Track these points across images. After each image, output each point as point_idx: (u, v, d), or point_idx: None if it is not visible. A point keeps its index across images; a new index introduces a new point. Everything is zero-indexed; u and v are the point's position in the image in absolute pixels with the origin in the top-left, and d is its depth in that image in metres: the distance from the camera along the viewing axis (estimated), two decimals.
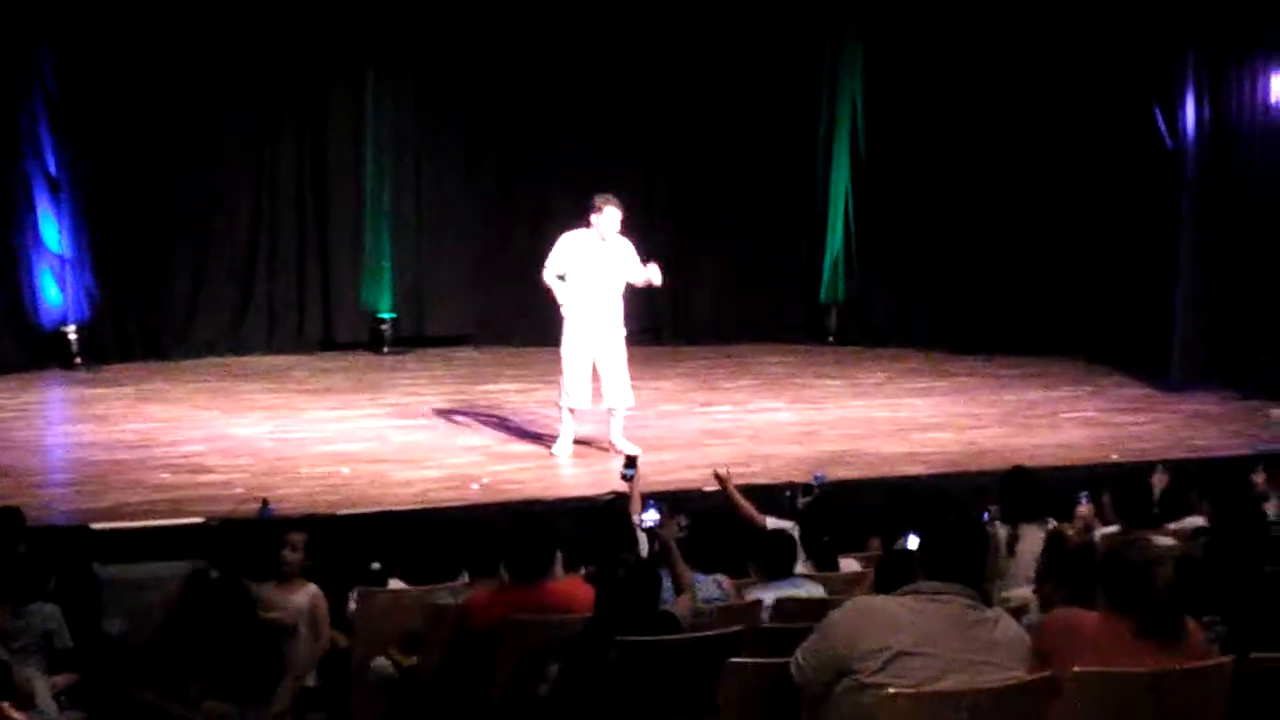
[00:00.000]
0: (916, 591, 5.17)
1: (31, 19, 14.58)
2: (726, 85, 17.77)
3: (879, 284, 18.33)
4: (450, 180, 16.95)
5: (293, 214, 16.64)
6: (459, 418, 13.47)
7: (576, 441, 12.27)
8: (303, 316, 16.78)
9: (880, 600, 5.27)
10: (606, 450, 12.18)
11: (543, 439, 12.77)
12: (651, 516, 7.23)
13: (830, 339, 18.46)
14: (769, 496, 10.94)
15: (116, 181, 15.46)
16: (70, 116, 15.00)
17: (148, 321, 16.02)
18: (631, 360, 15.49)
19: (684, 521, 8.54)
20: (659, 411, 14.15)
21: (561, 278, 12.00)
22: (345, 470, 11.66)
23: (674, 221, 18.00)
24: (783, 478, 11.50)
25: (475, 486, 11.34)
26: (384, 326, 16.71)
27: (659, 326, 18.09)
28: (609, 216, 11.91)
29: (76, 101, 15.01)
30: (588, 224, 12.00)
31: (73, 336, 15.29)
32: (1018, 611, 6.53)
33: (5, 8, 14.32)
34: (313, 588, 8.62)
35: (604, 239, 11.95)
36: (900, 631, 5.05)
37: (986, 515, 8.61)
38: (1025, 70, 17.05)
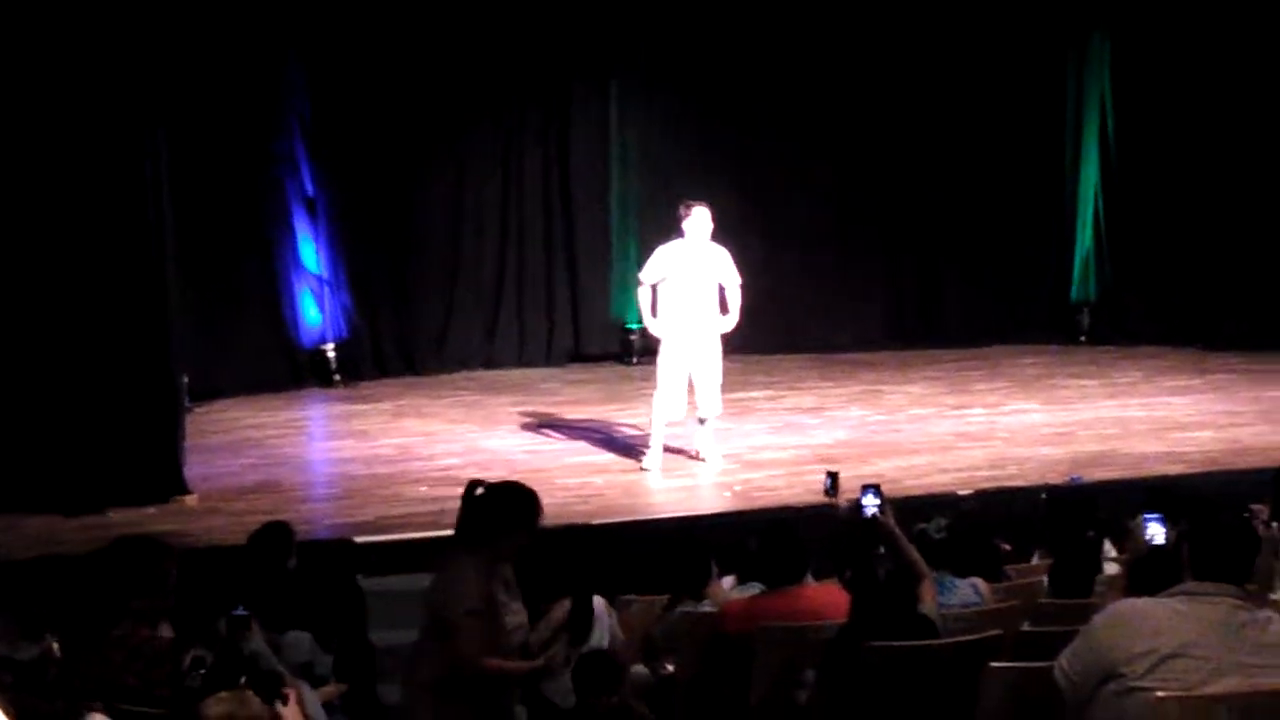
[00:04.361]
0: (1184, 593, 5.05)
1: (282, 43, 14.97)
2: (971, 84, 17.57)
3: (1131, 281, 17.95)
4: (695, 187, 16.95)
5: (540, 227, 16.83)
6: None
7: (669, 450, 12.23)
8: (552, 329, 16.97)
9: (1145, 602, 5.16)
10: (695, 458, 12.21)
11: (792, 446, 12.78)
12: (872, 502, 7.07)
13: (1082, 338, 18.12)
14: (1017, 500, 10.86)
15: (368, 201, 15.78)
16: (323, 138, 15.36)
17: (402, 338, 16.32)
18: (883, 365, 15.45)
19: (943, 523, 8.42)
20: (909, 415, 14.07)
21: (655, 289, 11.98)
22: (598, 481, 11.77)
23: (920, 224, 17.85)
24: (1037, 480, 11.37)
25: (728, 494, 11.38)
26: (633, 337, 16.81)
27: (907, 330, 17.96)
28: (698, 218, 11.81)
29: (328, 123, 15.36)
30: (681, 234, 11.93)
31: (331, 355, 15.66)
32: None
33: (259, 34, 14.71)
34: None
35: (697, 245, 11.83)
36: (1167, 634, 4.93)
37: (1248, 514, 8.37)
38: (1277, 57, 16.59)
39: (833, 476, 8.56)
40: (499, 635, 6.48)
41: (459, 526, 6.62)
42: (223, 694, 4.32)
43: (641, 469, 12.07)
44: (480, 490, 6.65)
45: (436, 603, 6.49)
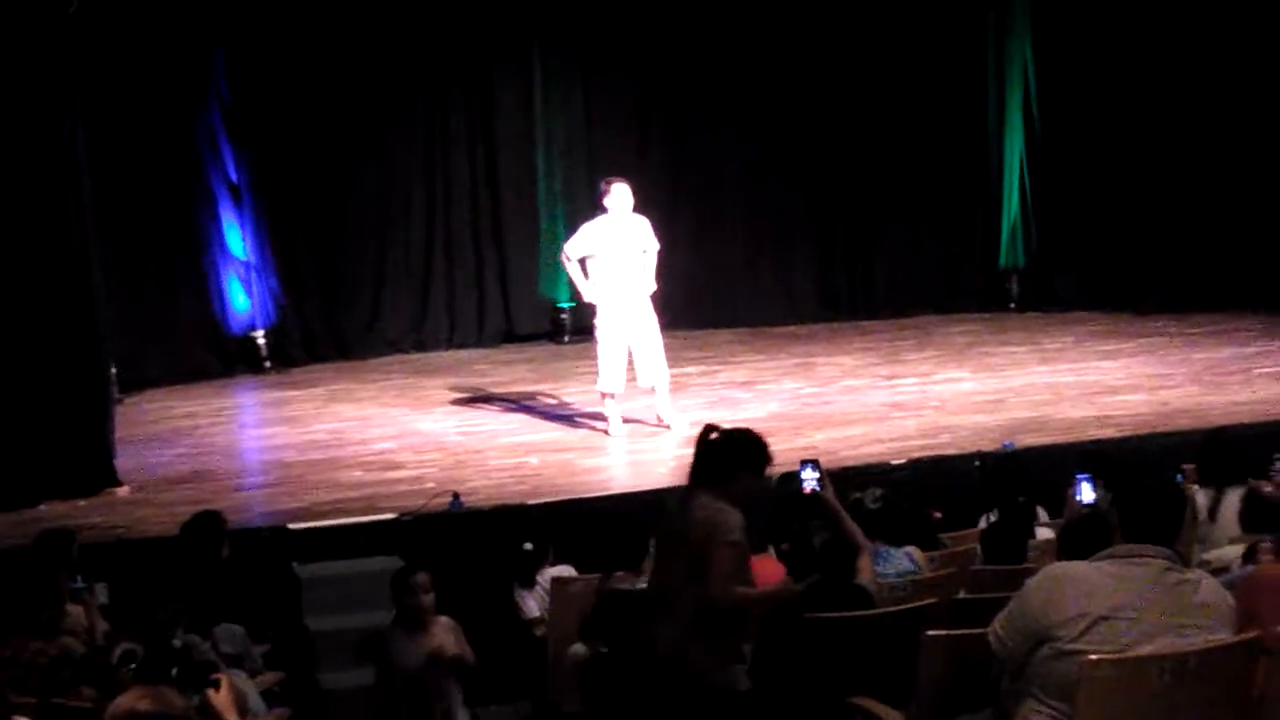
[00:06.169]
0: (1115, 555, 5.08)
1: (204, 30, 14.85)
2: (894, 54, 17.59)
3: (1060, 248, 18.03)
4: (622, 164, 16.94)
5: (467, 208, 16.76)
6: (643, 403, 13.48)
7: (628, 421, 12.44)
8: (483, 310, 16.92)
9: (1077, 566, 5.18)
10: (658, 426, 12.29)
11: (727, 421, 12.72)
12: (811, 477, 7.06)
13: (1012, 305, 18.20)
14: (951, 469, 10.93)
15: (294, 186, 15.68)
16: (246, 124, 15.26)
17: (333, 323, 16.24)
18: (814, 337, 15.46)
19: (878, 493, 8.44)
20: (843, 387, 14.09)
21: (583, 264, 12.16)
22: (533, 461, 11.76)
23: (848, 196, 17.88)
24: (970, 448, 11.41)
25: (663, 470, 11.38)
26: (564, 316, 16.77)
27: (838, 302, 18.00)
28: (619, 194, 12.07)
29: (251, 108, 15.26)
30: (604, 210, 12.14)
31: (261, 341, 15.57)
32: (1218, 572, 6.41)
33: (179, 22, 14.59)
34: (445, 619, 8.27)
35: (621, 219, 12.07)
36: (1098, 596, 4.96)
37: (1180, 477, 8.44)
38: (1200, 22, 16.69)
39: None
40: (748, 571, 6.40)
41: (694, 470, 6.55)
42: (136, 689, 4.25)
43: (609, 436, 12.26)
44: (715, 435, 6.60)
45: (699, 536, 6.29)
